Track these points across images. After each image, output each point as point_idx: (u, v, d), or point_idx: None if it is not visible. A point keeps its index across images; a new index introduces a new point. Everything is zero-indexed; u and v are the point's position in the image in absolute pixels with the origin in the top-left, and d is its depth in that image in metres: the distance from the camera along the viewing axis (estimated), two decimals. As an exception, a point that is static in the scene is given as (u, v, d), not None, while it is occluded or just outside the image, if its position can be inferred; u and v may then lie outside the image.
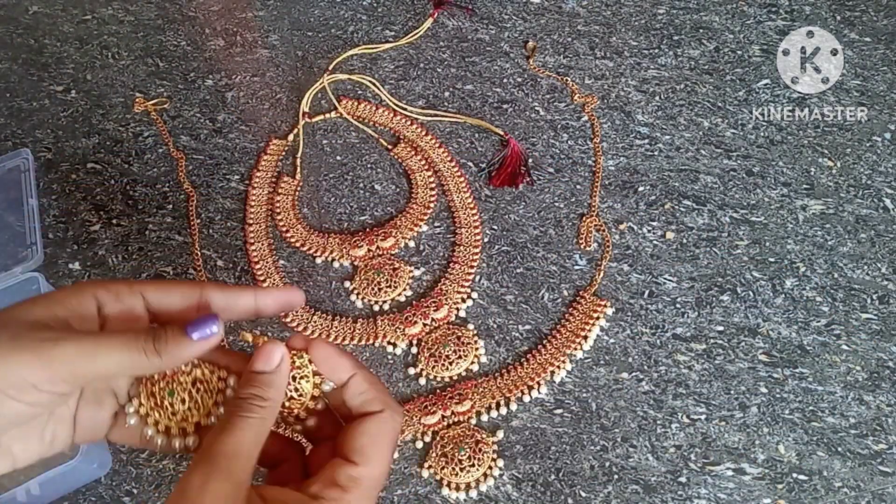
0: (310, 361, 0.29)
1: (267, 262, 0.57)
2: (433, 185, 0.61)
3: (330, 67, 0.69)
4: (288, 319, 0.54)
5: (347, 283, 0.56)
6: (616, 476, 0.47)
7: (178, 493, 0.24)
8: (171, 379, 0.30)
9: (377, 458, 0.27)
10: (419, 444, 0.49)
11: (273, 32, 0.73)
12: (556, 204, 0.60)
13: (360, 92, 0.68)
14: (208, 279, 0.57)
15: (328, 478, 0.26)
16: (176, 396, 0.29)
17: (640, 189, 0.60)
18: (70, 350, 0.24)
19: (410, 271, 0.56)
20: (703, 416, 0.49)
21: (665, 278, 0.55)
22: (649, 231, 0.58)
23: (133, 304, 0.28)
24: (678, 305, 0.54)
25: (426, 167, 0.62)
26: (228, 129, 0.66)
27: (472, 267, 0.56)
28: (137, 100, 0.68)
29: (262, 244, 0.58)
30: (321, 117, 0.66)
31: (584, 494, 0.46)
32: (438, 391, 0.51)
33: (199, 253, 0.58)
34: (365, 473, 0.26)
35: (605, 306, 0.53)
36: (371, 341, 0.53)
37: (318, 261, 0.58)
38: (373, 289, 0.55)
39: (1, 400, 0.24)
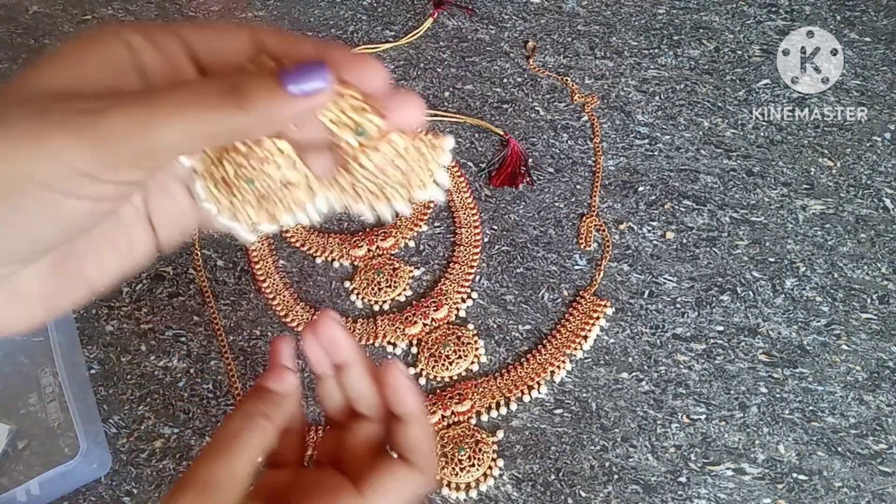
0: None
1: (267, 262, 0.57)
2: (433, 185, 0.61)
3: (330, 67, 0.69)
4: (288, 319, 0.54)
5: (347, 284, 0.56)
6: (616, 476, 0.47)
7: None
8: (251, 153, 0.21)
9: (391, 501, 0.25)
10: (419, 444, 0.49)
11: (273, 32, 0.73)
12: (556, 204, 0.60)
13: (360, 92, 0.68)
14: (209, 279, 0.57)
15: (332, 494, 0.24)
16: (257, 183, 0.22)
17: (640, 189, 0.60)
18: (122, 119, 0.17)
19: (410, 271, 0.56)
20: (703, 416, 0.49)
21: (665, 278, 0.55)
22: (649, 231, 0.58)
23: (174, 52, 0.20)
24: (678, 305, 0.54)
25: (426, 167, 0.62)
26: (228, 129, 0.66)
27: (472, 267, 0.56)
28: (137, 100, 0.68)
29: (262, 244, 0.58)
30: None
31: (584, 494, 0.46)
32: (438, 391, 0.51)
33: (199, 253, 0.58)
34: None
35: (605, 306, 0.53)
36: (371, 341, 0.53)
37: (318, 261, 0.58)
38: (373, 289, 0.55)
39: (51, 200, 0.17)
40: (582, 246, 0.57)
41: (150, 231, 0.23)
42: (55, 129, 0.17)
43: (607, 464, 0.47)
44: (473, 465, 0.47)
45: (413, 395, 0.26)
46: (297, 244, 0.58)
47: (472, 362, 0.52)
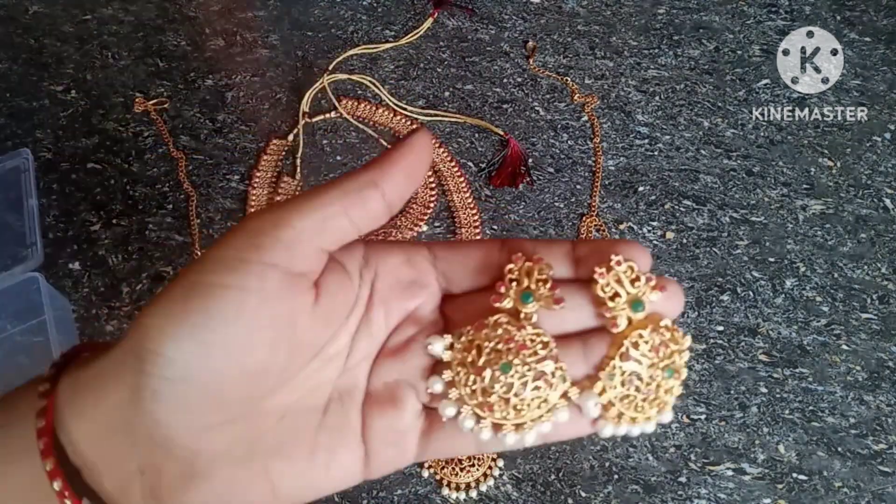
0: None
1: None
2: (433, 185, 0.61)
3: (330, 67, 0.69)
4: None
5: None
6: (616, 476, 0.47)
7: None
8: (494, 333, 0.21)
9: None
10: (419, 444, 0.49)
11: (273, 32, 0.73)
12: (556, 204, 0.60)
13: (360, 92, 0.68)
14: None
15: None
16: (514, 373, 0.20)
17: (640, 189, 0.60)
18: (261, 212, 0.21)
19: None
20: (703, 416, 0.49)
21: (665, 278, 0.55)
22: (649, 231, 0.58)
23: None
24: (678, 305, 0.54)
25: (426, 167, 0.62)
26: (228, 129, 0.66)
27: (472, 267, 0.56)
28: (137, 100, 0.68)
29: (262, 244, 0.58)
30: (321, 117, 0.66)
31: (584, 494, 0.46)
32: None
33: (199, 253, 0.58)
34: None
35: (605, 306, 0.53)
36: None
37: (318, 261, 0.58)
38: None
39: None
40: (582, 246, 0.57)
41: (360, 449, 0.22)
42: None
43: (607, 464, 0.47)
44: (473, 465, 0.47)
45: None
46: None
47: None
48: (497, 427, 0.21)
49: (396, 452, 0.22)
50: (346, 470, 0.22)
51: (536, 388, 0.20)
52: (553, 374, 0.21)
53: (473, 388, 0.20)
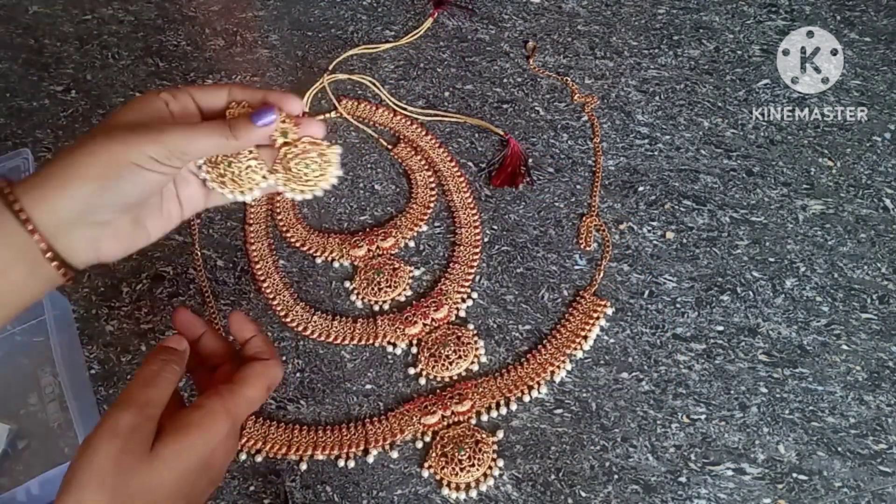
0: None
1: (267, 262, 0.57)
2: (433, 185, 0.61)
3: (330, 67, 0.69)
4: (288, 319, 0.54)
5: (347, 283, 0.56)
6: (616, 476, 0.47)
7: (110, 427, 0.29)
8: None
9: (255, 385, 0.34)
10: (419, 444, 0.49)
11: (273, 32, 0.73)
12: (556, 204, 0.60)
13: (360, 92, 0.68)
14: (209, 279, 0.57)
15: (211, 391, 0.33)
16: (237, 165, 0.38)
17: (640, 189, 0.60)
18: (177, 135, 0.33)
19: (410, 271, 0.56)
20: (703, 416, 0.49)
21: (665, 278, 0.55)
22: (649, 231, 0.58)
23: (187, 103, 0.36)
24: (678, 305, 0.54)
25: (426, 167, 0.62)
26: (228, 129, 0.66)
27: (472, 267, 0.56)
28: (137, 100, 0.68)
29: (262, 244, 0.58)
30: (321, 117, 0.66)
31: (584, 494, 0.46)
32: (438, 391, 0.51)
33: (199, 253, 0.58)
34: (241, 392, 0.34)
35: (605, 306, 0.53)
36: (371, 341, 0.53)
37: (318, 261, 0.58)
38: (373, 289, 0.55)
39: (137, 172, 0.32)
40: (582, 246, 0.57)
41: (179, 206, 0.37)
42: (141, 137, 0.32)
43: (607, 464, 0.47)
44: (473, 465, 0.47)
45: (249, 325, 0.37)
46: (298, 244, 0.58)
47: (472, 362, 0.52)
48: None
49: (195, 204, 0.38)
50: (175, 217, 0.37)
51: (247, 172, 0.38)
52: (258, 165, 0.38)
53: (223, 179, 0.38)
